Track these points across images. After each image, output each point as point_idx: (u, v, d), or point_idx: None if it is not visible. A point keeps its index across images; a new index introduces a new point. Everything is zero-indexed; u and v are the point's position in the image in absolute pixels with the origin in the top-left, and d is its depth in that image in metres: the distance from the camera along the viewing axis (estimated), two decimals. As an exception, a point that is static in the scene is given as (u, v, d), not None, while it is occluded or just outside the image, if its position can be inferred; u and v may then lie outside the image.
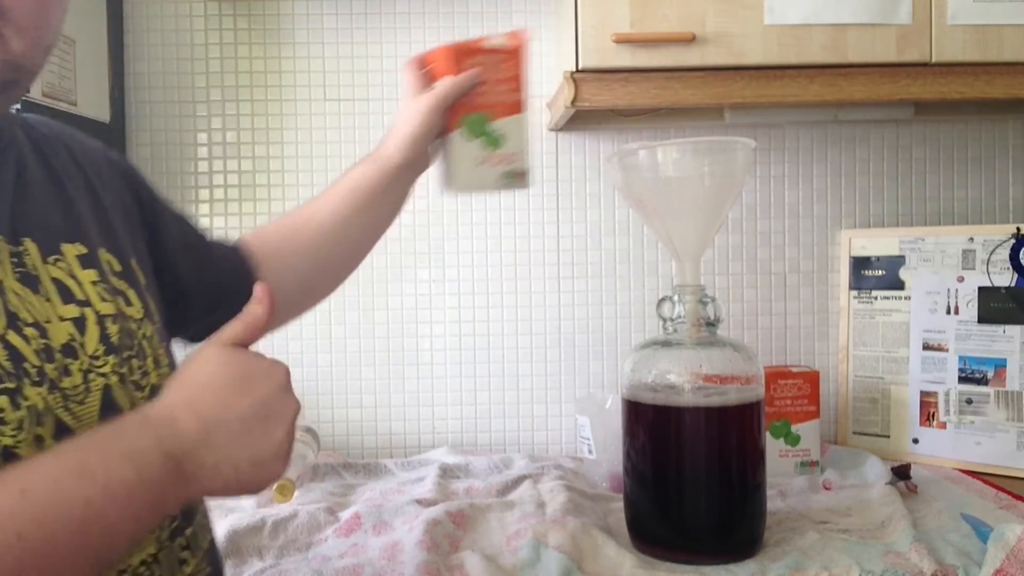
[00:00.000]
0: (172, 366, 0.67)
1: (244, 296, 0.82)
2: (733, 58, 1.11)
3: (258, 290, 0.61)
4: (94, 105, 1.26)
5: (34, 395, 0.51)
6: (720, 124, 1.36)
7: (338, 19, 1.40)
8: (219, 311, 0.79)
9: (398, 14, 1.40)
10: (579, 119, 1.34)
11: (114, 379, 0.58)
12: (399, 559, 0.90)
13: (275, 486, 1.10)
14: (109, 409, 0.57)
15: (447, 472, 1.24)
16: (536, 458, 1.32)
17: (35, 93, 1.09)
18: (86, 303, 0.58)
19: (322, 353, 1.41)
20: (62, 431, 0.52)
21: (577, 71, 1.11)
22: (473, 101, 0.87)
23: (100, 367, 0.57)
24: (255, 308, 0.60)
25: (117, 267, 0.64)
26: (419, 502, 1.07)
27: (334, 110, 1.40)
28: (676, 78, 1.12)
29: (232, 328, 0.59)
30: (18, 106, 1.06)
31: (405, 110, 0.88)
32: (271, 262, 0.85)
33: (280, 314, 0.79)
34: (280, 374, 0.57)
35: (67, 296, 0.57)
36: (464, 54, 0.87)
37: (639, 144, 0.97)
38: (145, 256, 0.71)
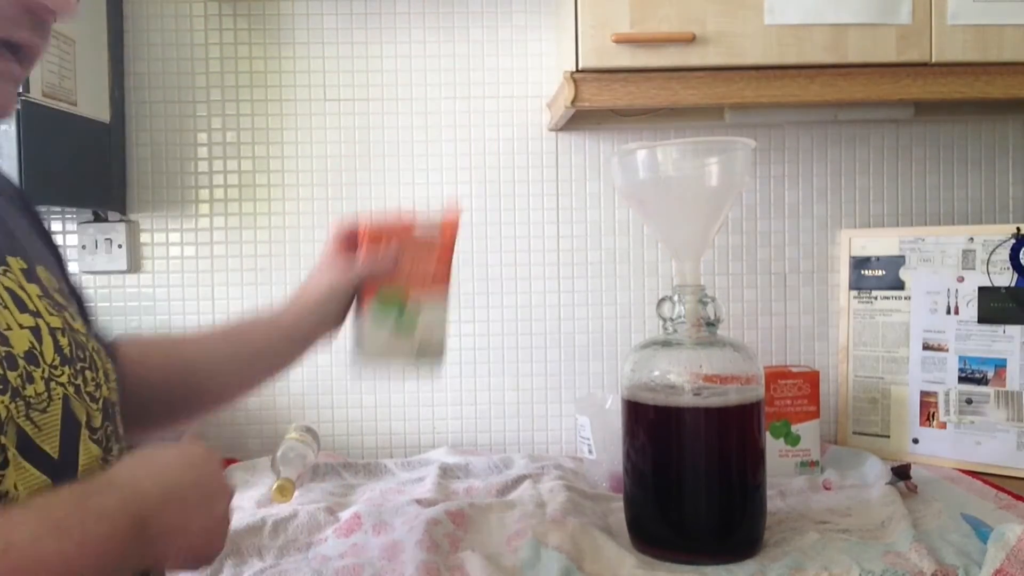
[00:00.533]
0: (119, 383, 0.67)
1: None
2: (733, 58, 1.11)
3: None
4: (94, 105, 1.26)
5: None
6: (720, 124, 1.36)
7: (338, 19, 1.40)
8: None
9: (398, 14, 1.40)
10: (579, 119, 1.34)
11: (71, 389, 0.58)
12: (399, 559, 0.90)
13: (275, 486, 1.09)
14: (69, 419, 0.57)
15: (447, 472, 1.24)
16: (536, 458, 1.32)
17: (35, 93, 1.09)
18: (37, 314, 0.58)
19: (322, 353, 1.40)
20: (23, 440, 0.53)
21: (577, 71, 1.11)
22: (394, 277, 0.89)
23: (59, 376, 0.57)
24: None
25: (55, 284, 0.64)
26: (419, 502, 1.07)
27: (334, 110, 1.40)
28: (676, 78, 1.12)
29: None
30: (18, 106, 1.06)
31: (317, 276, 0.90)
32: (135, 367, 0.83)
33: (140, 421, 0.80)
34: (216, 458, 0.63)
35: (21, 306, 0.57)
36: (392, 231, 0.88)
37: (639, 144, 0.97)
38: (67, 283, 0.71)
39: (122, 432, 0.66)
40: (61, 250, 0.76)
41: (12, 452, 0.51)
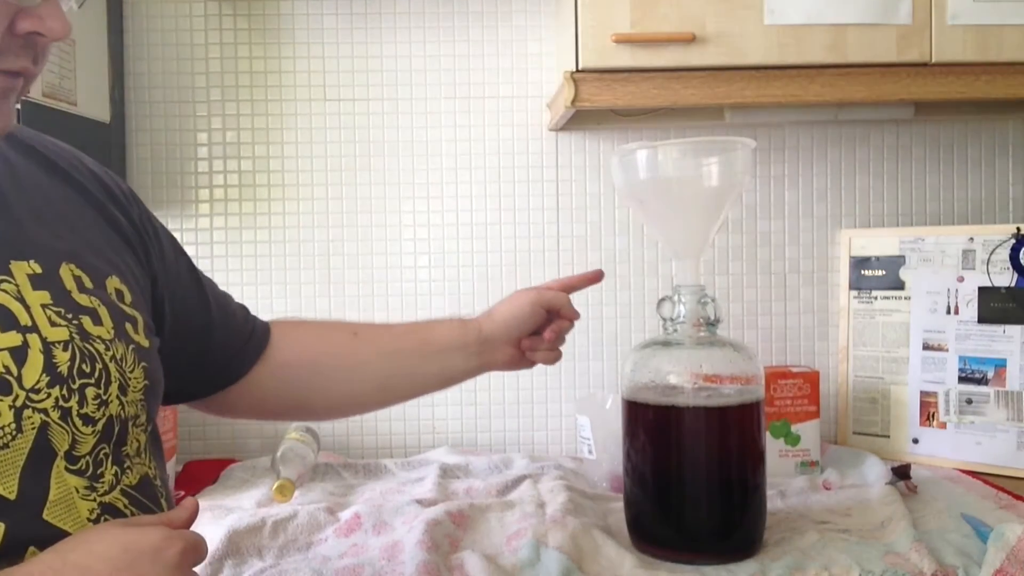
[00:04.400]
0: (149, 392, 0.63)
1: (238, 364, 0.82)
2: (733, 58, 1.11)
3: (188, 502, 0.58)
4: (94, 105, 1.26)
5: None
6: (720, 124, 1.36)
7: (338, 19, 1.40)
8: (205, 371, 0.80)
9: (398, 14, 1.40)
10: (579, 119, 1.34)
11: (55, 414, 0.54)
12: (399, 559, 0.90)
13: (275, 486, 1.10)
14: (41, 451, 0.53)
15: (447, 472, 1.24)
16: (536, 458, 1.32)
17: (35, 93, 1.09)
18: (31, 329, 0.54)
19: (322, 353, 1.41)
20: None
21: (577, 71, 1.12)
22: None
23: (39, 401, 0.53)
24: (180, 514, 0.57)
25: (88, 284, 0.60)
26: (419, 502, 1.07)
27: (334, 110, 1.40)
28: (676, 78, 1.12)
29: (148, 518, 0.57)
30: (18, 106, 1.06)
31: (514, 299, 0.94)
32: (276, 353, 0.86)
33: (277, 404, 0.86)
34: (169, 555, 0.51)
35: (8, 322, 0.54)
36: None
37: (639, 144, 0.97)
38: (136, 278, 0.68)
39: (135, 450, 0.61)
40: (147, 239, 0.73)
41: None
